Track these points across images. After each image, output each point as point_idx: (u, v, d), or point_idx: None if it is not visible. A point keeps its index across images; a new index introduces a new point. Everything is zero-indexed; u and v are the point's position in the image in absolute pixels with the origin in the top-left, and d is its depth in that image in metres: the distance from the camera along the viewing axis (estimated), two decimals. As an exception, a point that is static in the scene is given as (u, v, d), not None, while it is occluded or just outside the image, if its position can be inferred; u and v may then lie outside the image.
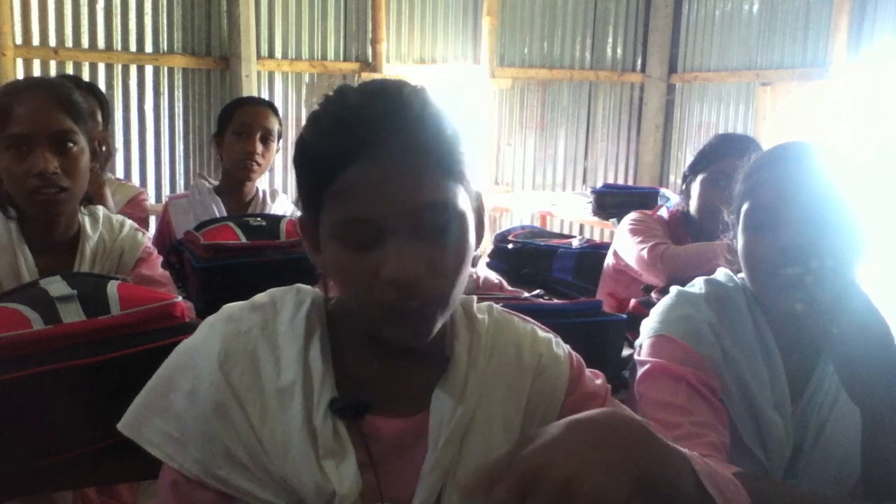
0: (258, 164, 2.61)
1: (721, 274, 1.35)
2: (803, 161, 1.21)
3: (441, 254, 0.84)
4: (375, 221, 0.82)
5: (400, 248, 0.82)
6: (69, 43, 4.77)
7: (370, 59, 5.62)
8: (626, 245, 2.25)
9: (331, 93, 0.90)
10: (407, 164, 0.82)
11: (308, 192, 0.88)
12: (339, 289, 0.90)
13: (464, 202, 0.86)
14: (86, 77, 4.56)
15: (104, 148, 2.46)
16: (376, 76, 5.42)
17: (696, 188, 2.22)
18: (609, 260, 2.36)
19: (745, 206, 1.25)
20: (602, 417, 0.74)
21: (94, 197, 2.30)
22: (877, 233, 1.21)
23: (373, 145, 0.81)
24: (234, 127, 2.60)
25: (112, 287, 1.26)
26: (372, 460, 0.87)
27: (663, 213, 2.37)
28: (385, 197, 0.81)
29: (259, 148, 2.59)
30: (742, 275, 1.31)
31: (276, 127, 2.65)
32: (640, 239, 2.19)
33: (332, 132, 0.83)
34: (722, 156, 2.17)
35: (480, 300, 1.02)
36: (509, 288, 1.87)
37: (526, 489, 0.67)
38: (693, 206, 2.23)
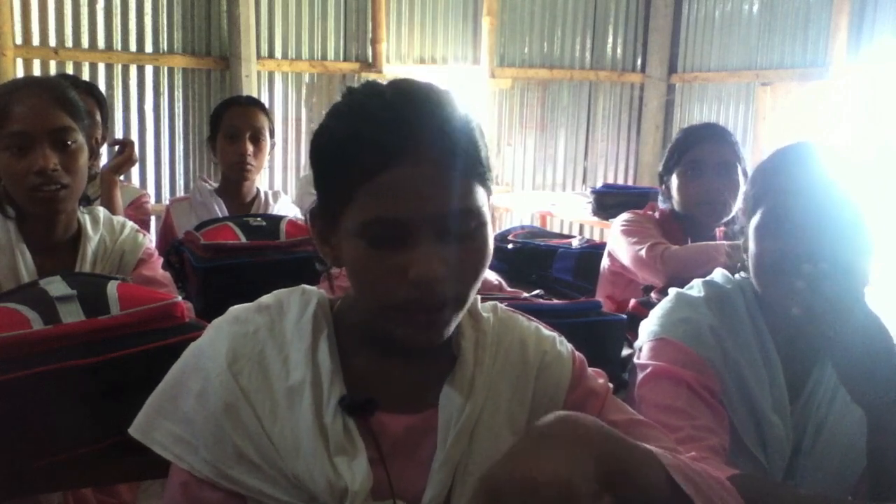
0: (251, 165, 2.62)
1: (718, 275, 1.35)
2: (811, 164, 1.20)
3: (464, 258, 0.85)
4: (408, 223, 0.82)
5: (428, 250, 0.82)
6: (69, 43, 4.77)
7: (370, 60, 5.63)
8: (620, 246, 2.25)
9: (355, 87, 0.90)
10: (445, 169, 0.83)
11: (335, 186, 0.87)
12: (353, 285, 0.90)
13: (486, 208, 0.88)
14: (86, 77, 4.56)
15: (127, 154, 2.47)
16: (376, 76, 5.42)
17: (674, 183, 2.22)
18: (605, 262, 2.36)
19: (755, 211, 1.24)
20: (552, 419, 0.77)
21: (104, 199, 2.31)
22: (878, 233, 1.20)
23: (415, 148, 0.82)
24: (224, 130, 2.62)
25: (112, 287, 1.26)
26: (382, 456, 0.88)
27: (656, 212, 2.36)
28: (421, 199, 0.82)
29: (250, 149, 2.60)
30: (738, 276, 1.31)
31: (265, 125, 2.66)
32: (635, 239, 2.18)
33: (374, 131, 0.83)
34: (691, 146, 2.19)
35: (483, 300, 1.03)
36: (508, 289, 1.87)
37: (496, 498, 0.70)
38: (676, 202, 2.23)
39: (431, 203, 0.83)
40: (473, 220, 0.86)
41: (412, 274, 0.82)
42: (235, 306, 0.95)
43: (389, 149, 0.82)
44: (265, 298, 0.96)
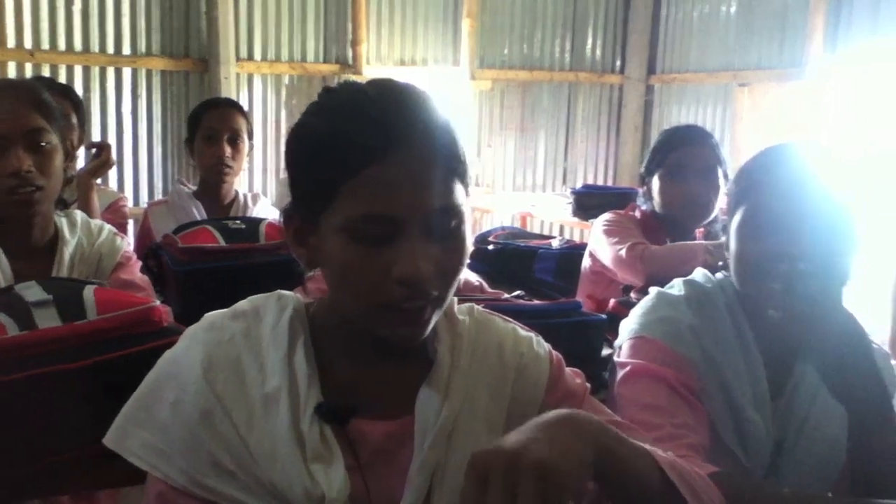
0: (229, 167, 2.61)
1: (699, 274, 1.35)
2: (792, 163, 1.21)
3: (447, 255, 0.86)
4: (394, 219, 0.82)
5: (413, 248, 0.82)
6: (45, 45, 4.72)
7: (350, 61, 5.61)
8: (601, 246, 2.26)
9: (333, 86, 0.90)
10: (430, 165, 0.84)
11: (318, 183, 0.86)
12: (335, 285, 0.90)
13: (465, 206, 0.88)
14: (62, 80, 4.51)
15: (104, 157, 2.44)
16: (357, 78, 5.41)
17: (655, 185, 2.23)
18: (586, 262, 2.37)
19: (737, 210, 1.25)
20: (555, 413, 0.79)
21: (81, 202, 2.29)
22: (862, 232, 1.21)
23: (400, 143, 0.82)
24: (203, 132, 2.61)
25: (88, 292, 1.25)
26: (359, 463, 0.88)
27: (637, 213, 2.37)
28: (407, 196, 0.82)
29: (228, 151, 2.59)
30: (720, 275, 1.32)
31: (243, 127, 2.65)
32: (616, 239, 2.20)
33: (361, 127, 0.83)
34: (672, 149, 2.20)
35: (461, 302, 1.02)
36: (490, 290, 1.87)
37: (484, 475, 0.71)
38: (658, 203, 2.24)
39: (419, 200, 0.83)
40: (455, 218, 0.86)
41: (398, 272, 0.82)
42: (210, 313, 0.94)
43: (377, 144, 0.82)
44: (241, 304, 0.95)
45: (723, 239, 1.33)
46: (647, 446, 0.86)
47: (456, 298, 1.01)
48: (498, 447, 0.73)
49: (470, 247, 0.90)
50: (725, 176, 2.19)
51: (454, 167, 0.86)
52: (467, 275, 1.96)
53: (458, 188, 0.87)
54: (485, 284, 1.90)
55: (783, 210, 1.17)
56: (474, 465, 0.73)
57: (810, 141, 1.27)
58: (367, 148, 0.82)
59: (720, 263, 1.35)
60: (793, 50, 5.42)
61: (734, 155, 5.09)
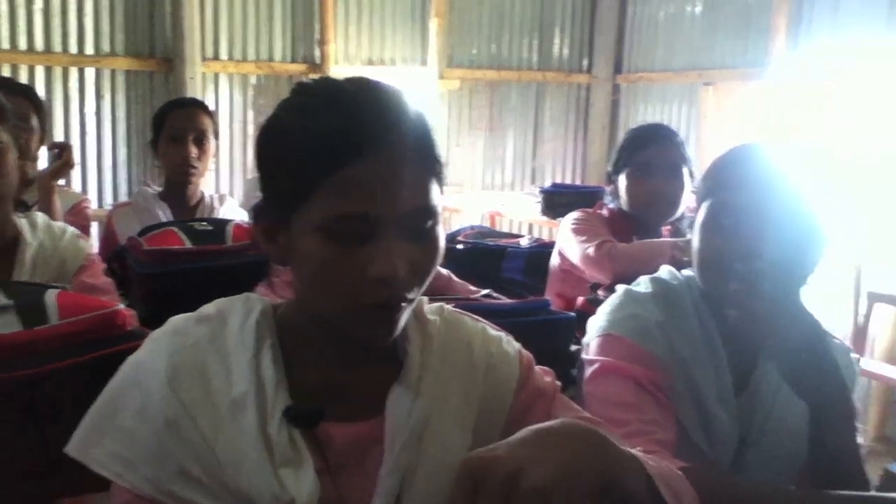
0: (195, 168, 2.58)
1: (665, 272, 1.36)
2: (757, 162, 1.22)
3: (422, 256, 0.85)
4: (372, 218, 0.81)
5: (390, 247, 0.82)
6: (5, 44, 4.63)
7: (318, 61, 5.58)
8: (569, 244, 2.27)
9: (308, 82, 0.89)
10: (408, 164, 0.83)
11: (293, 180, 0.84)
12: (307, 284, 0.88)
13: (440, 206, 0.87)
14: (24, 81, 4.43)
15: (66, 158, 2.40)
16: (324, 78, 5.37)
17: (622, 184, 2.25)
18: (554, 261, 2.38)
19: (701, 206, 1.26)
20: (557, 425, 0.76)
21: (42, 204, 2.25)
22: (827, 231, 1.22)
23: (381, 141, 0.81)
24: (168, 132, 2.57)
25: (50, 296, 1.22)
26: (329, 467, 0.87)
27: (604, 211, 2.39)
28: (386, 195, 0.81)
29: (194, 151, 2.56)
30: (686, 272, 1.33)
31: (209, 127, 2.62)
32: (584, 237, 2.21)
33: (341, 123, 0.82)
34: (638, 148, 2.22)
35: (432, 301, 1.02)
36: (458, 280, 1.87)
37: (475, 484, 0.68)
38: (624, 202, 2.26)
39: (397, 199, 0.82)
40: (430, 218, 0.86)
41: (374, 271, 0.81)
42: (174, 317, 0.93)
43: (358, 142, 0.81)
44: (206, 308, 0.93)
45: (689, 236, 1.34)
46: (637, 453, 0.84)
47: (426, 298, 1.01)
48: (496, 456, 0.70)
49: (443, 247, 0.89)
50: (691, 174, 2.22)
51: (431, 166, 0.86)
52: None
53: (435, 188, 0.86)
54: (453, 276, 1.90)
55: (747, 208, 1.18)
56: (468, 470, 0.69)
57: (778, 140, 1.28)
58: (347, 146, 0.81)
59: (686, 260, 1.36)
60: (756, 49, 5.49)
61: (699, 153, 5.15)
